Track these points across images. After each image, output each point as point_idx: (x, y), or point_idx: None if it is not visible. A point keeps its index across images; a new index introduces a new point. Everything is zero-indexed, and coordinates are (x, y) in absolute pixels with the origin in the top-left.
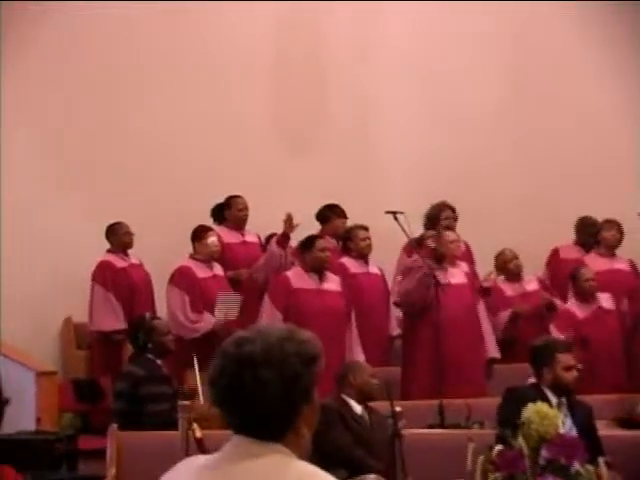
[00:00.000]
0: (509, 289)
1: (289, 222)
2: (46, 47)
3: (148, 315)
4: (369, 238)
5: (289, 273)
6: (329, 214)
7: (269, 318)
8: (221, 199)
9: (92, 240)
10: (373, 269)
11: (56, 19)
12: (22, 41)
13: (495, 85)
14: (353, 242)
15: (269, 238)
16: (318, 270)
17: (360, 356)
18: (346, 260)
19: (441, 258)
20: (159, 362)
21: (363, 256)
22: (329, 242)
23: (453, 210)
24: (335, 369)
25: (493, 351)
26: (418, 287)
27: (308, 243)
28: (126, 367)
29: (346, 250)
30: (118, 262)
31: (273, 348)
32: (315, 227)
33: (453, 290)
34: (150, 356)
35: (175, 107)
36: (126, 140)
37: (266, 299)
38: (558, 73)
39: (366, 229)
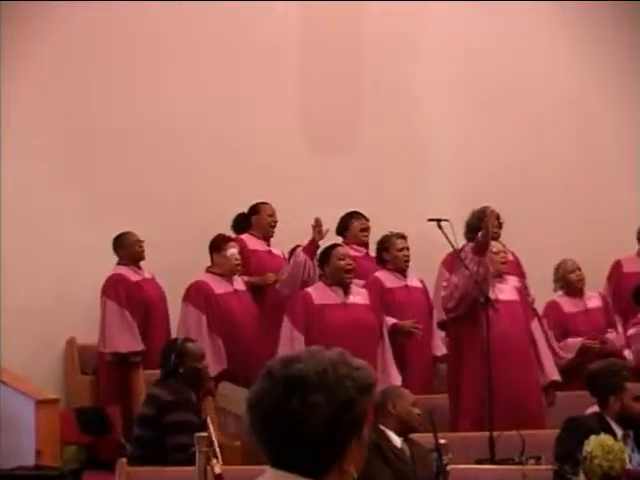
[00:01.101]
0: (569, 304)
1: (318, 228)
2: (50, 42)
3: (181, 338)
4: (407, 248)
5: (310, 289)
6: (347, 220)
7: (289, 341)
8: (242, 206)
9: (98, 253)
10: (413, 282)
11: (61, 11)
12: (22, 38)
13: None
14: (389, 253)
15: (294, 250)
16: (341, 282)
17: (396, 379)
18: (381, 274)
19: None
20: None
21: (401, 269)
22: (354, 250)
23: (497, 217)
24: None
25: (552, 373)
26: (470, 280)
27: (325, 253)
28: (152, 390)
29: (381, 262)
30: (131, 275)
31: (326, 370)
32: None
33: (502, 307)
34: (179, 383)
35: (193, 107)
36: (139, 144)
37: (286, 320)
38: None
39: (404, 238)
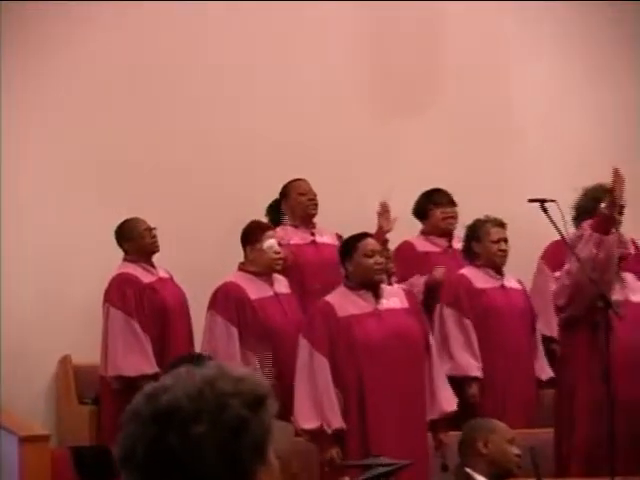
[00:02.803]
0: None
1: (385, 214)
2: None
3: (205, 356)
4: (505, 240)
5: (330, 298)
6: (426, 204)
7: (307, 368)
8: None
9: (99, 246)
10: (510, 282)
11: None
12: (36, 41)
13: None
14: (481, 244)
15: (341, 240)
16: (369, 284)
17: (450, 404)
18: (469, 271)
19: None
20: None
21: (495, 265)
22: (431, 243)
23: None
24: (417, 423)
25: None
26: (603, 261)
27: (348, 247)
28: None
29: (469, 255)
30: (142, 275)
31: (202, 392)
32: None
33: (633, 311)
34: None
35: (234, 62)
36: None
37: (303, 343)
38: None
39: (502, 226)
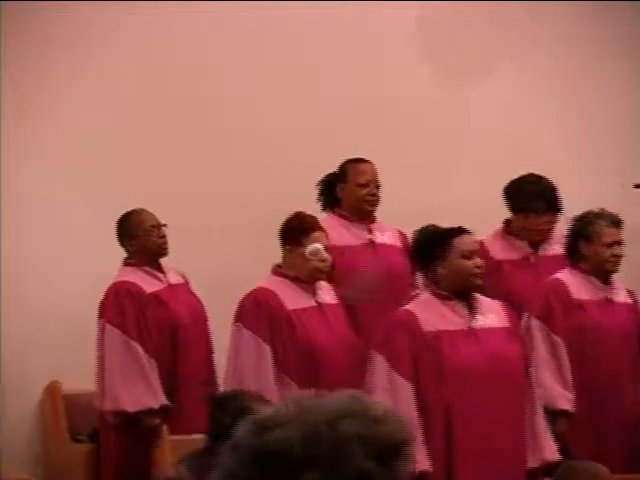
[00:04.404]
0: None
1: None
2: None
3: (239, 391)
4: (620, 242)
5: (414, 308)
6: (518, 189)
7: (389, 396)
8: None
9: (97, 244)
10: (619, 295)
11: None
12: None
13: None
14: (591, 246)
15: (403, 238)
16: (465, 292)
17: (552, 452)
18: (567, 276)
19: None
20: None
21: (604, 272)
22: (511, 247)
23: None
24: (515, 470)
25: None
26: None
27: (439, 245)
28: (182, 470)
29: (574, 256)
30: (146, 283)
31: (320, 433)
32: (495, 220)
33: None
34: None
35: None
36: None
37: (379, 360)
38: None
39: (618, 225)
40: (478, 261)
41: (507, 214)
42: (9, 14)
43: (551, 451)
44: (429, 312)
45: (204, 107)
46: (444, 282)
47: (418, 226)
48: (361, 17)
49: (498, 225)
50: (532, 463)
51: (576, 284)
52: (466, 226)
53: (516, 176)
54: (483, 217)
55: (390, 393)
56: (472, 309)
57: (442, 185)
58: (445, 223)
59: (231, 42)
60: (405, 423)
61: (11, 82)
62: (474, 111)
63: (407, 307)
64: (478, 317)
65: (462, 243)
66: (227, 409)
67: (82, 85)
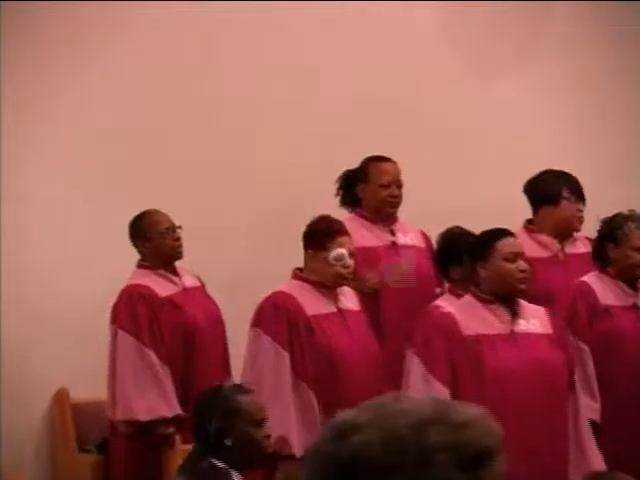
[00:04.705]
0: None
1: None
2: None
3: (229, 386)
4: None
5: (451, 308)
6: (551, 186)
7: (419, 396)
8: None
9: (108, 244)
10: None
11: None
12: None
13: None
14: (619, 249)
15: (425, 239)
16: (508, 297)
17: (598, 461)
18: (593, 279)
19: None
20: (235, 476)
21: (632, 277)
22: (541, 246)
23: None
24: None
25: None
26: None
27: (482, 246)
28: None
29: (601, 259)
30: (160, 286)
31: (403, 439)
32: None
33: None
34: (220, 464)
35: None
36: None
37: (416, 362)
38: None
39: None
40: (522, 264)
41: (526, 216)
42: (9, 14)
43: (599, 463)
44: (469, 315)
45: (204, 107)
46: (486, 285)
47: (436, 227)
48: (377, 15)
49: (518, 226)
50: (577, 475)
51: (603, 288)
52: (486, 227)
53: None
54: (503, 218)
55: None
56: (514, 314)
57: (463, 186)
58: (466, 224)
59: (234, 42)
60: (494, 429)
61: (11, 82)
62: (495, 111)
63: (447, 309)
64: (520, 322)
65: (505, 245)
66: (216, 409)
67: (82, 85)
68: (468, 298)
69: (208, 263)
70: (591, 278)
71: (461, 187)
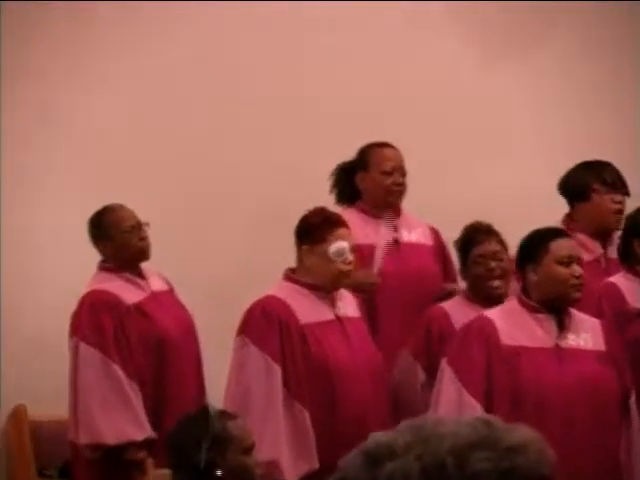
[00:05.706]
0: None
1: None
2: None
3: (215, 411)
4: None
5: (493, 315)
6: (589, 181)
7: (456, 407)
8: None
9: (71, 244)
10: None
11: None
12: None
13: None
14: None
15: (437, 237)
16: (559, 305)
17: None
18: (621, 280)
19: None
20: None
21: None
22: (583, 247)
23: None
24: None
25: None
26: None
27: (533, 248)
28: None
29: (627, 258)
30: (126, 292)
31: (444, 466)
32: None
33: None
34: None
35: None
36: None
37: (448, 370)
38: None
39: None
40: (577, 269)
41: (542, 208)
42: (9, 14)
43: None
44: (512, 323)
45: (205, 107)
46: (535, 291)
47: (444, 222)
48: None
49: (533, 220)
50: None
51: (631, 289)
52: (497, 221)
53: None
54: (515, 211)
55: (457, 412)
56: (563, 326)
57: (474, 177)
58: (475, 216)
59: (229, 40)
60: (548, 455)
61: (11, 82)
62: (500, 100)
63: (486, 313)
64: (569, 336)
65: (559, 247)
66: (203, 436)
67: (82, 85)
68: (514, 304)
69: (192, 266)
70: (618, 279)
71: (469, 178)
